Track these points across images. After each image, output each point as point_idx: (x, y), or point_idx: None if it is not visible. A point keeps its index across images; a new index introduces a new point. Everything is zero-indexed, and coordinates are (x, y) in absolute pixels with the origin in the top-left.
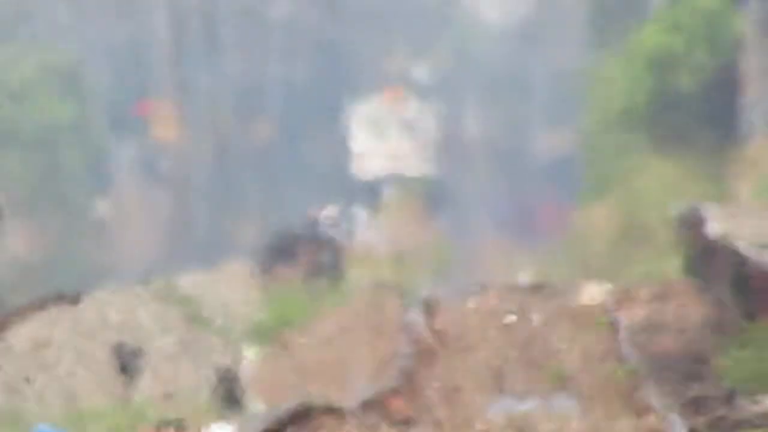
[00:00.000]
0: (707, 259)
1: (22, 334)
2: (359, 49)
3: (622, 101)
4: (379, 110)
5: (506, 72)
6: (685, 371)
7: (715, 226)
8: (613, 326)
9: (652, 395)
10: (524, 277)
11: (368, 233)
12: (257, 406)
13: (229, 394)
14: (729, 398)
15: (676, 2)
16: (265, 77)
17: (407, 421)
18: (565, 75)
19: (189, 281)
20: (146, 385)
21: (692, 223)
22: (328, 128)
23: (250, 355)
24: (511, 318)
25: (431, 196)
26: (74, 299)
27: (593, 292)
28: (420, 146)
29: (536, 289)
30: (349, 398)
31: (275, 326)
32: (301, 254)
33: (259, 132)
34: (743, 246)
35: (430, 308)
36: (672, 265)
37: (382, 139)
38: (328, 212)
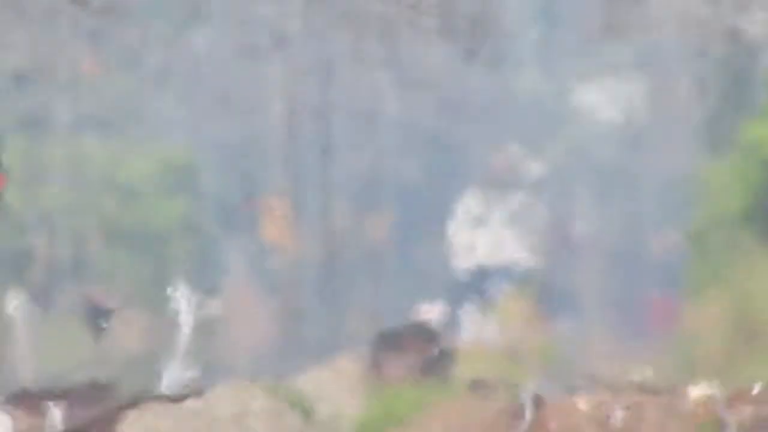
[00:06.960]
0: None
1: (132, 425)
2: (471, 145)
3: (733, 200)
4: (482, 202)
5: (619, 171)
6: None
7: None
8: (722, 425)
9: None
10: (634, 375)
11: (477, 328)
12: None
13: None
14: None
15: None
16: (377, 175)
17: None
18: (677, 175)
19: (298, 378)
20: None
21: None
22: (439, 224)
23: None
24: (620, 415)
25: (540, 290)
26: (182, 395)
27: (704, 391)
28: (525, 238)
29: (646, 386)
30: None
31: (382, 424)
32: (409, 351)
33: (372, 230)
34: None
35: (538, 406)
36: None
37: (484, 230)
38: (436, 308)
